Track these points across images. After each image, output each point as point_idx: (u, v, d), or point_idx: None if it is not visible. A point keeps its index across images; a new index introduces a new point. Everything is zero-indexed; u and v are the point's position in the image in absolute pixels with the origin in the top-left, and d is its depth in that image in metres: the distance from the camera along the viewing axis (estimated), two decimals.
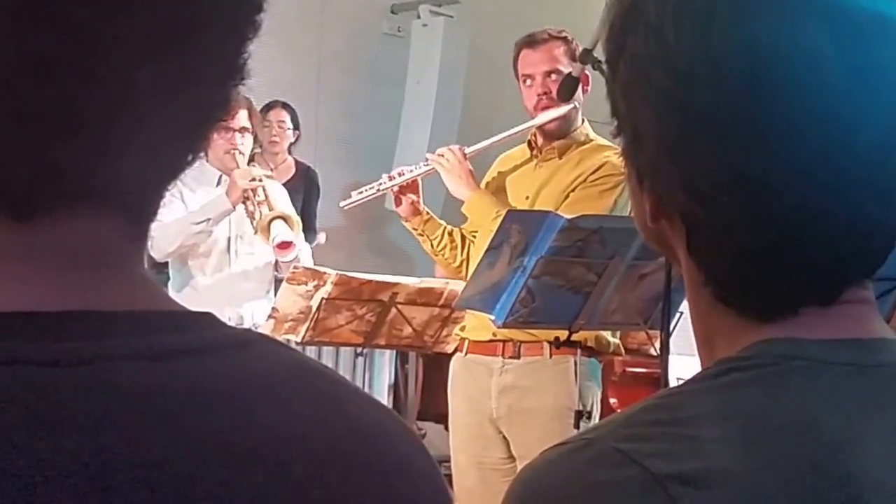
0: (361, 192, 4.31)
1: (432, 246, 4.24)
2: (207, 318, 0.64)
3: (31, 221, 0.59)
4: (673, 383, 3.83)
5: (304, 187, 6.17)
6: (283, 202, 4.62)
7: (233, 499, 0.58)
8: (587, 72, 3.86)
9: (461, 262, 4.20)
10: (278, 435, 0.61)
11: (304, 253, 4.80)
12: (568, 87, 3.83)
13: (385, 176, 4.26)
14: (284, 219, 4.45)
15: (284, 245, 4.44)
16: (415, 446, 0.68)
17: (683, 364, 4.98)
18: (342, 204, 4.41)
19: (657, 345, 4.91)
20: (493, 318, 3.60)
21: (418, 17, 7.35)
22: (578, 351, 3.85)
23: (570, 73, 3.85)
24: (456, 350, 4.21)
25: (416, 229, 4.26)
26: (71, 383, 0.57)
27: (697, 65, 0.87)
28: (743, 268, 0.90)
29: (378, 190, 4.25)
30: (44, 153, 0.58)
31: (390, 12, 7.40)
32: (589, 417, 3.86)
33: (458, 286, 4.33)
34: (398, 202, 4.24)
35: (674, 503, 0.81)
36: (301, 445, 0.62)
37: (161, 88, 0.61)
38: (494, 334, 3.88)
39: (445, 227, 4.25)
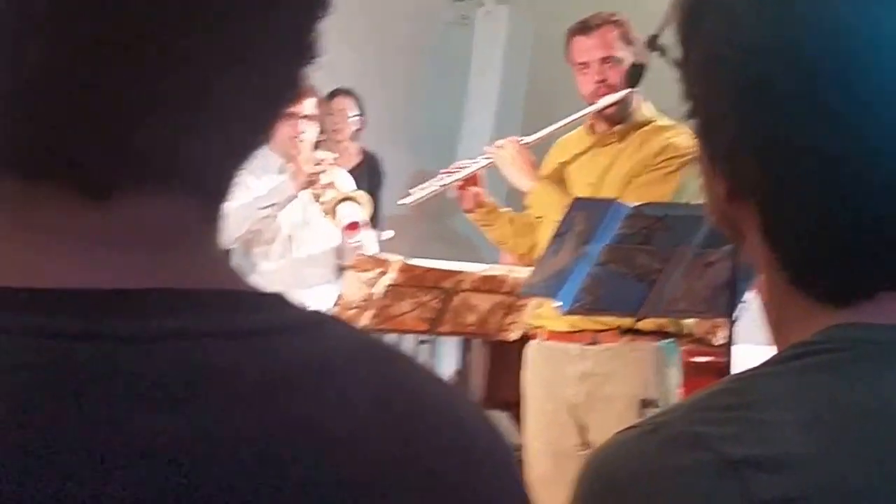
0: (423, 189, 4.32)
1: (496, 236, 4.25)
2: (279, 298, 0.65)
3: (109, 201, 0.60)
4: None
5: (368, 175, 6.19)
6: (348, 186, 4.64)
7: (315, 477, 0.59)
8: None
9: (529, 249, 4.19)
10: (353, 414, 0.62)
11: (368, 240, 4.82)
12: (635, 76, 3.82)
13: (441, 172, 4.26)
14: (353, 199, 4.47)
15: (353, 226, 4.46)
16: (491, 431, 0.68)
17: (749, 353, 4.96)
18: (399, 202, 4.42)
19: (721, 334, 4.89)
20: (558, 304, 3.60)
21: (482, 4, 7.34)
22: (656, 338, 3.84)
23: (634, 63, 3.83)
24: (530, 337, 4.20)
25: (479, 221, 4.26)
26: (151, 360, 0.57)
27: (776, 44, 0.86)
28: (819, 250, 0.89)
29: (439, 187, 4.25)
30: (122, 134, 0.59)
31: (454, 0, 7.40)
32: (656, 406, 3.85)
33: (521, 273, 4.32)
34: (461, 196, 4.24)
35: (746, 487, 0.81)
36: (376, 425, 0.62)
37: (234, 68, 0.61)
38: (573, 325, 3.88)
39: (509, 216, 4.25)
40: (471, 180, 4.22)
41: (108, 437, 0.55)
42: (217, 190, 0.65)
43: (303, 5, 0.65)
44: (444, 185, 4.23)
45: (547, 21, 7.41)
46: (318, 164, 4.54)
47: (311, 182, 4.53)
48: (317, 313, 0.66)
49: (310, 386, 0.61)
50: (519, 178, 4.08)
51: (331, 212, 4.45)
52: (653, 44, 3.74)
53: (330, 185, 4.53)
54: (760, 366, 0.91)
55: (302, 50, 0.65)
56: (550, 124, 4.29)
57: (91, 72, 0.58)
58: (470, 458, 0.65)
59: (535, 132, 4.21)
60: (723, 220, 0.97)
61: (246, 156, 0.66)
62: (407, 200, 4.40)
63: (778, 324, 0.95)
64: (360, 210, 4.46)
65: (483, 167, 4.20)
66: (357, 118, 6.30)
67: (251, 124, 0.65)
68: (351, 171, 5.32)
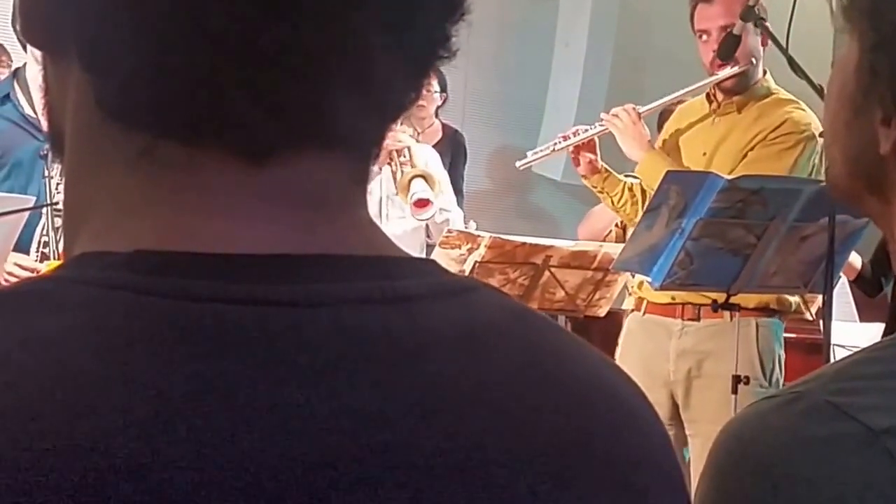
0: (537, 153, 4.35)
1: (613, 202, 4.26)
2: (432, 264, 0.65)
3: (265, 163, 0.60)
4: (834, 350, 3.78)
5: (451, 150, 6.18)
6: (426, 162, 4.65)
7: (480, 439, 0.59)
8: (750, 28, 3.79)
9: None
10: (504, 380, 0.62)
11: (456, 216, 4.82)
12: (728, 47, 3.78)
13: (559, 136, 4.28)
14: (424, 177, 4.48)
15: (422, 203, 4.47)
16: (640, 398, 0.68)
17: (843, 329, 4.92)
18: (518, 164, 4.45)
19: (813, 309, 4.84)
20: (650, 280, 3.59)
21: None
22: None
23: (730, 32, 3.79)
24: (617, 315, 4.20)
25: (595, 187, 4.26)
26: (313, 325, 0.58)
27: None
28: None
29: (553, 150, 4.28)
30: (275, 94, 0.59)
31: None
32: (748, 382, 3.82)
33: (611, 249, 4.32)
34: (576, 161, 4.25)
35: (892, 458, 0.80)
36: (527, 391, 0.62)
37: (385, 24, 0.61)
38: (673, 297, 3.86)
39: (625, 183, 4.25)
40: (586, 146, 4.22)
41: (268, 399, 0.55)
42: (368, 149, 0.65)
43: None
44: (561, 147, 4.24)
45: None
46: (399, 140, 4.56)
47: (390, 158, 4.55)
48: (470, 279, 0.66)
49: (462, 350, 0.61)
50: (632, 147, 4.07)
51: (404, 188, 4.47)
52: (746, 14, 3.70)
53: (408, 161, 4.55)
54: None
55: (453, 5, 0.65)
56: (636, 98, 4.28)
57: (242, 35, 0.58)
58: (629, 424, 0.65)
59: (621, 105, 4.19)
60: (863, 172, 0.96)
61: (398, 114, 0.66)
62: (522, 163, 4.43)
63: None
64: (428, 188, 4.48)
65: (599, 133, 4.20)
66: (440, 94, 6.30)
67: (404, 83, 0.64)
68: (434, 147, 5.33)
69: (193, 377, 0.55)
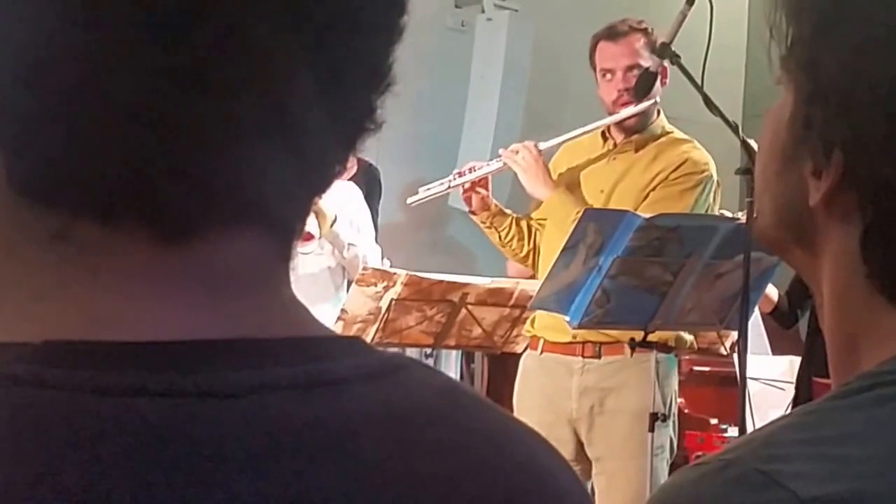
0: (429, 189, 4.34)
1: (500, 238, 4.27)
2: (359, 343, 0.64)
3: (185, 243, 0.58)
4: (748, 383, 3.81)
5: (365, 185, 6.17)
6: (328, 197, 4.65)
7: None
8: (665, 65, 3.83)
9: (528, 252, 4.22)
10: (436, 460, 0.60)
11: (372, 252, 4.81)
12: (645, 85, 3.81)
13: (454, 172, 4.27)
14: (313, 211, 4.49)
15: (305, 236, 4.48)
16: (574, 481, 0.67)
17: (756, 362, 4.97)
18: (409, 200, 4.42)
19: (727, 344, 4.90)
20: (567, 318, 3.59)
21: (482, 11, 7.31)
22: (654, 350, 3.84)
23: (647, 70, 3.82)
24: (527, 347, 4.20)
25: (484, 223, 4.28)
26: (234, 416, 0.56)
27: None
28: None
29: (449, 186, 4.27)
30: (197, 171, 0.57)
31: (454, 6, 7.38)
32: (664, 420, 3.84)
33: (528, 286, 4.33)
34: (467, 197, 4.25)
35: None
36: (461, 475, 0.61)
37: (315, 97, 0.59)
38: (574, 336, 3.87)
39: (513, 218, 4.27)
40: (479, 183, 4.22)
41: (194, 500, 0.53)
42: (293, 225, 0.63)
43: (382, 31, 0.63)
44: (456, 184, 4.22)
45: (547, 27, 7.44)
46: None
47: None
48: (398, 357, 0.64)
49: (391, 436, 0.60)
50: (535, 184, 4.06)
51: None
52: (662, 51, 3.73)
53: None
54: (829, 398, 0.90)
55: (381, 77, 0.64)
56: (551, 132, 4.29)
57: (164, 106, 0.56)
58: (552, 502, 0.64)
59: (534, 140, 4.19)
60: (788, 220, 0.97)
61: (324, 187, 0.64)
62: (414, 199, 4.41)
63: (848, 338, 0.94)
64: (315, 222, 4.48)
65: (496, 171, 4.20)
66: None
67: (330, 155, 0.63)
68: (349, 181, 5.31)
69: (103, 480, 0.52)
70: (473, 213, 4.27)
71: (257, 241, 0.60)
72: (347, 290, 4.59)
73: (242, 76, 0.57)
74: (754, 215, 1.05)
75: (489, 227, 4.27)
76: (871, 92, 0.89)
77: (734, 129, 3.51)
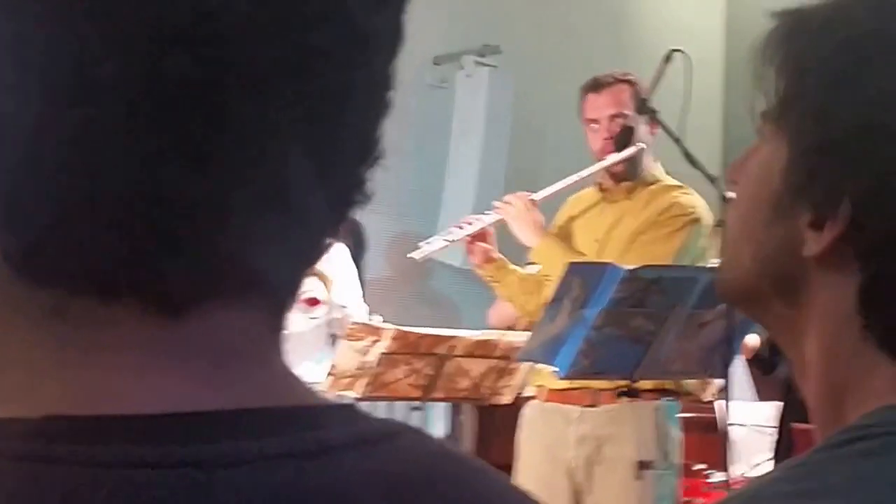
0: (430, 243, 4.31)
1: (506, 293, 4.25)
2: (351, 410, 0.64)
3: (183, 318, 0.58)
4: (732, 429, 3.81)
5: (351, 241, 6.18)
6: (328, 259, 4.65)
7: None
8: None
9: (536, 307, 4.19)
10: None
11: (359, 309, 4.82)
12: (623, 138, 3.85)
13: (453, 226, 4.28)
14: (317, 276, 4.48)
15: (312, 301, 4.48)
16: None
17: (740, 409, 4.97)
18: (411, 255, 4.41)
19: (711, 390, 4.90)
20: (555, 369, 3.60)
21: (462, 67, 7.35)
22: (638, 399, 3.83)
23: (626, 125, 3.86)
24: (521, 400, 4.20)
25: (490, 277, 4.26)
26: (230, 486, 0.56)
27: None
28: None
29: (447, 241, 4.25)
30: (194, 247, 0.57)
31: (433, 63, 7.42)
32: (651, 467, 3.83)
33: (515, 337, 4.33)
34: (471, 251, 4.24)
35: None
36: None
37: (308, 172, 0.59)
38: (571, 382, 3.87)
39: (519, 273, 4.26)
40: (480, 235, 4.22)
41: None
42: (285, 297, 0.63)
43: (371, 107, 0.64)
44: (455, 238, 4.22)
45: (526, 82, 7.47)
46: None
47: None
48: (391, 424, 0.64)
49: (388, 501, 0.60)
50: (524, 233, 4.10)
51: None
52: (641, 108, 3.76)
53: None
54: (814, 451, 0.90)
55: (369, 150, 0.64)
56: (533, 185, 4.31)
57: (162, 186, 0.56)
58: None
59: (519, 192, 4.21)
60: (769, 274, 0.96)
61: (315, 260, 0.64)
62: (416, 254, 4.38)
63: (838, 386, 0.94)
64: (322, 286, 4.48)
65: (492, 222, 4.20)
66: None
67: (323, 228, 0.63)
68: None
69: None
70: (479, 267, 4.27)
71: (253, 314, 0.61)
72: (333, 347, 4.60)
73: (237, 154, 0.57)
74: (724, 266, 1.05)
75: (496, 282, 4.27)
76: (888, 143, 0.90)
77: (713, 181, 3.53)
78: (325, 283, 4.49)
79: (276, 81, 0.58)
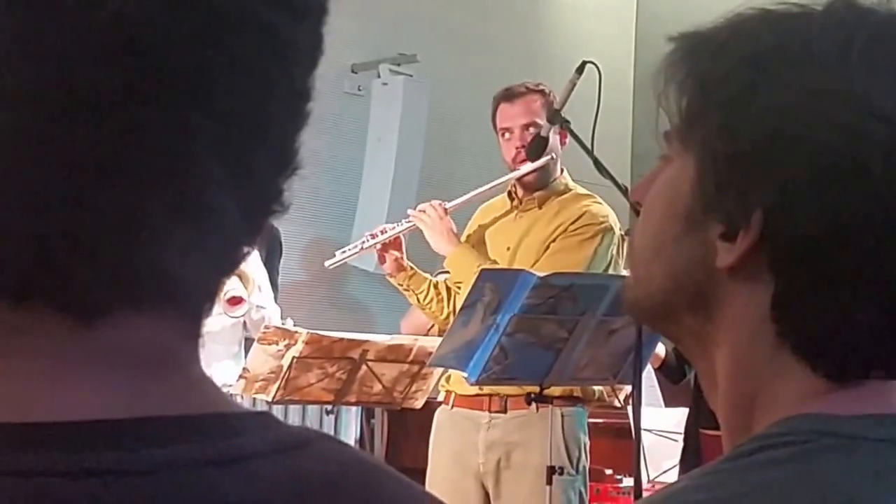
0: (345, 252, 4.32)
1: (419, 300, 4.24)
2: (266, 418, 0.63)
3: (96, 325, 0.57)
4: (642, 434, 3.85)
5: (265, 245, 6.14)
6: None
7: None
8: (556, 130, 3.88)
9: (448, 314, 4.19)
10: None
11: (273, 312, 4.79)
12: (536, 148, 3.86)
13: (367, 234, 4.27)
14: (238, 275, 4.45)
15: (234, 300, 4.46)
16: None
17: (650, 415, 5.01)
18: (327, 264, 4.40)
19: (621, 396, 4.93)
20: (465, 375, 3.60)
21: (378, 76, 7.38)
22: (552, 405, 3.84)
23: (538, 134, 3.87)
24: (434, 405, 4.21)
25: (401, 284, 4.25)
26: (144, 493, 0.55)
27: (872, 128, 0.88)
28: (851, 323, 0.90)
29: (361, 248, 4.26)
30: (108, 255, 0.56)
31: (351, 71, 7.43)
32: (561, 472, 3.85)
33: (427, 342, 4.33)
34: (382, 259, 4.24)
35: None
36: None
37: (224, 183, 0.59)
38: (481, 388, 3.87)
39: (431, 281, 4.25)
40: (392, 244, 4.21)
41: None
42: (201, 306, 0.63)
43: (289, 116, 0.64)
44: (368, 246, 4.21)
45: (441, 92, 7.51)
46: None
47: None
48: (304, 431, 0.64)
49: None
50: (439, 241, 4.10)
51: None
52: (553, 117, 3.78)
53: None
54: (724, 459, 0.91)
55: (288, 161, 0.64)
56: (446, 192, 4.33)
57: (77, 194, 0.55)
58: None
59: (431, 199, 4.23)
60: (680, 288, 0.97)
61: (232, 269, 0.64)
62: (331, 262, 4.38)
63: (747, 395, 0.94)
64: (241, 286, 4.46)
65: (406, 230, 4.20)
66: None
67: (239, 238, 0.63)
68: None
69: None
70: (390, 275, 4.26)
71: (167, 321, 0.60)
72: (246, 347, 4.57)
73: (152, 162, 0.57)
74: (633, 284, 1.04)
75: (407, 290, 4.26)
76: (795, 153, 0.90)
77: (623, 191, 3.56)
78: (245, 283, 4.47)
79: (193, 90, 0.58)
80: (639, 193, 1.03)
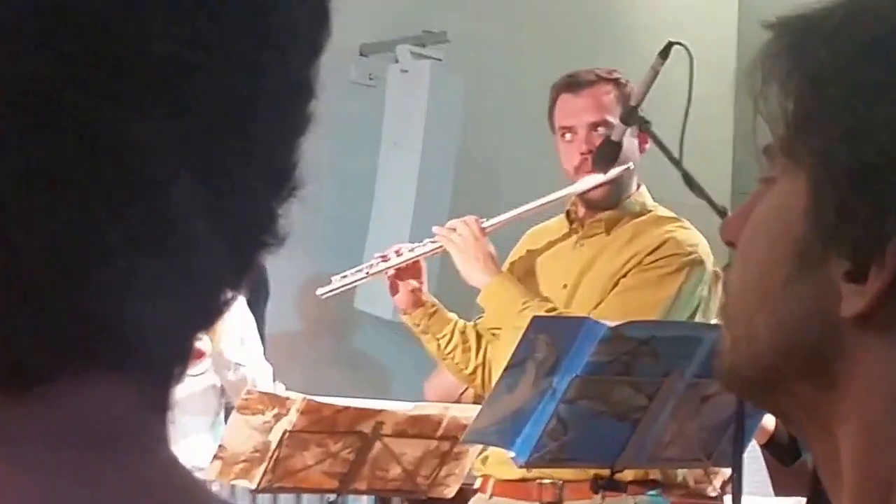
0: (346, 276, 4.28)
1: (439, 347, 4.22)
2: None
3: (35, 392, 0.58)
4: None
5: (248, 286, 6.15)
6: None
7: None
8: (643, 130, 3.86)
9: (475, 368, 4.18)
10: None
11: (260, 371, 4.80)
12: (605, 156, 3.84)
13: (376, 256, 4.23)
14: None
15: (195, 353, 4.48)
16: None
17: None
18: (319, 292, 4.38)
19: (716, 482, 4.92)
20: (512, 454, 3.59)
21: (396, 60, 7.35)
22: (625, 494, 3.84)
23: (609, 137, 3.86)
24: (470, 492, 4.20)
25: (417, 325, 4.24)
26: None
27: None
28: None
29: (368, 273, 4.22)
30: (52, 300, 0.57)
31: (359, 54, 7.42)
32: None
33: (461, 412, 4.32)
34: (394, 289, 4.22)
35: None
36: None
37: (200, 204, 0.59)
38: (529, 470, 3.86)
39: (457, 323, 4.24)
40: (409, 269, 4.20)
41: None
42: (170, 367, 0.63)
43: (284, 118, 0.64)
44: (378, 270, 4.19)
45: (480, 79, 7.48)
46: None
47: None
48: None
49: None
50: (472, 269, 4.06)
51: None
52: (628, 117, 3.78)
53: None
54: None
55: (282, 178, 0.64)
56: (485, 211, 4.29)
57: (18, 216, 0.56)
58: None
59: (467, 217, 4.20)
60: (796, 347, 0.97)
61: (211, 319, 0.64)
62: (325, 290, 4.37)
63: (891, 487, 0.94)
64: (204, 336, 4.48)
65: (430, 252, 4.18)
66: None
67: (221, 278, 0.63)
68: None
69: None
70: (404, 312, 4.25)
71: (126, 388, 0.60)
72: (227, 417, 4.58)
73: (104, 181, 0.57)
74: (729, 347, 1.04)
75: (425, 332, 4.24)
76: None
77: (721, 213, 3.55)
78: (208, 332, 4.49)
79: (158, 86, 0.58)
80: (731, 230, 1.03)
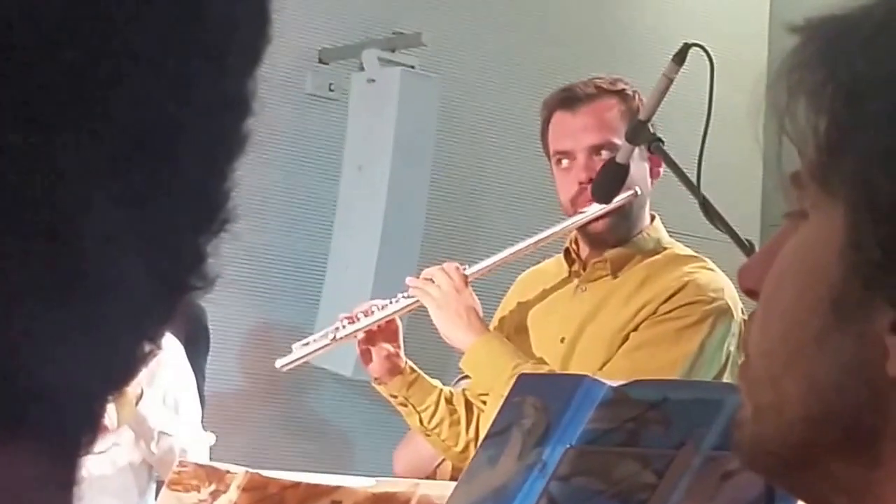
0: (308, 344, 4.26)
1: (422, 421, 4.18)
2: None
3: None
4: None
5: (185, 335, 6.15)
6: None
7: None
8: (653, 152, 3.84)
9: (466, 444, 4.15)
10: None
11: (194, 441, 4.80)
12: (610, 180, 3.83)
13: (342, 318, 4.21)
14: None
15: None
16: None
17: None
18: (278, 364, 4.36)
19: None
20: None
21: (361, 68, 7.39)
22: None
23: (613, 159, 3.84)
24: None
25: (395, 396, 4.21)
26: None
27: None
28: None
29: (334, 339, 4.20)
30: None
31: (318, 61, 7.43)
32: None
33: (433, 489, 4.32)
34: (366, 357, 4.21)
35: None
36: None
37: (115, 237, 0.60)
38: None
39: (441, 391, 4.22)
40: (383, 332, 4.19)
41: None
42: (80, 437, 0.64)
43: (217, 138, 0.64)
44: (341, 336, 4.18)
45: (459, 91, 7.49)
46: None
47: None
48: None
49: None
50: (453, 327, 4.04)
51: None
52: (634, 136, 3.77)
53: None
54: None
55: (212, 209, 0.64)
56: (466, 250, 4.30)
57: None
58: None
59: (446, 263, 4.19)
60: (832, 415, 0.97)
61: (126, 381, 0.65)
62: (283, 362, 4.34)
63: None
64: (111, 408, 4.47)
65: (403, 310, 4.16)
66: None
67: (139, 328, 0.64)
68: None
69: None
70: (379, 381, 4.23)
71: (20, 460, 0.61)
72: (155, 498, 4.57)
73: (4, 212, 0.57)
74: (752, 418, 1.04)
75: (403, 405, 4.23)
76: None
77: (748, 249, 3.55)
78: (116, 402, 4.48)
79: (68, 101, 0.58)
80: (752, 276, 1.03)
